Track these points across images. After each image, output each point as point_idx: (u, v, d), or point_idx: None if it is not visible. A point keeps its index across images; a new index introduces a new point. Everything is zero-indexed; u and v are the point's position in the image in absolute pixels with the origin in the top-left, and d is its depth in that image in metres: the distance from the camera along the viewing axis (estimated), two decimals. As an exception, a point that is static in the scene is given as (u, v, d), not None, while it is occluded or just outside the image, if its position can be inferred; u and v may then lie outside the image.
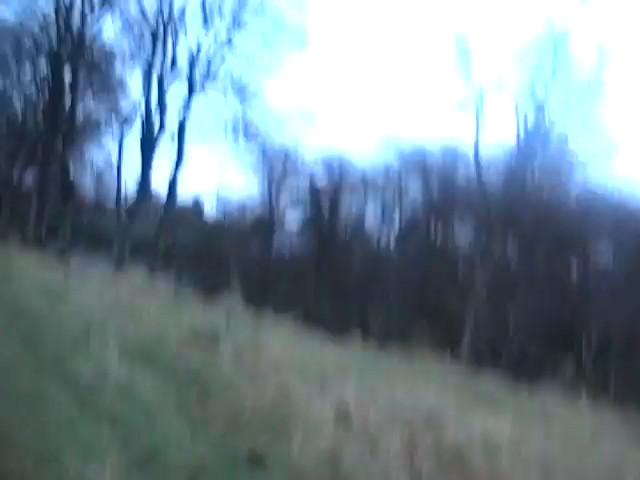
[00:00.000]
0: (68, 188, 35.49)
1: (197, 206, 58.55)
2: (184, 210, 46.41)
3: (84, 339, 9.27)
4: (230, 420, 7.15)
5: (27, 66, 39.60)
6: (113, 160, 40.20)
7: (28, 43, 37.91)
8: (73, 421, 6.39)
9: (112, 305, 13.22)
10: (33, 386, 6.99)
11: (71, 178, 37.02)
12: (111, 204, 49.73)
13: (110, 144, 40.38)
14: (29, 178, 45.64)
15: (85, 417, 6.68)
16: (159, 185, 37.03)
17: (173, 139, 34.26)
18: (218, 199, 47.08)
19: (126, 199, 38.11)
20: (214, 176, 67.77)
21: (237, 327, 13.08)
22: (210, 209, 49.85)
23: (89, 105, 40.46)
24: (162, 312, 13.66)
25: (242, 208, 46.47)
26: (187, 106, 34.50)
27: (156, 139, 33.47)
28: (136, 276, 23.09)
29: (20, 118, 42.17)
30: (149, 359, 9.00)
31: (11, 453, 4.96)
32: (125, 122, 36.92)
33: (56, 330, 9.61)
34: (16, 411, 5.96)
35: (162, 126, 34.03)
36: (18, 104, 42.05)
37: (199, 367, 9.15)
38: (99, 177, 45.07)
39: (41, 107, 39.80)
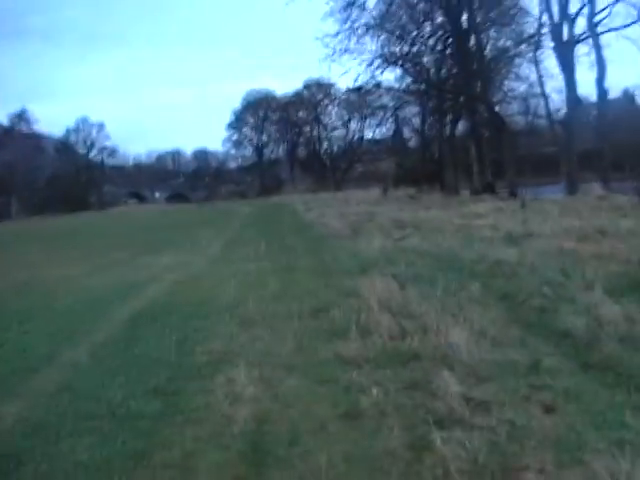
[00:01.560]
0: (499, 125, 36.60)
1: (629, 98, 55.72)
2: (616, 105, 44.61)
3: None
4: None
5: (426, 20, 41.82)
6: (534, 82, 40.55)
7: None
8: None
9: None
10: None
11: (499, 114, 38.05)
12: (542, 125, 50.10)
13: (526, 67, 40.73)
14: (460, 128, 48.55)
15: None
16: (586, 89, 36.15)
17: (589, 42, 32.98)
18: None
19: (556, 115, 37.92)
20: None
21: None
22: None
23: (495, 37, 41.27)
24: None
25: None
26: (591, 2, 32.81)
27: (571, 47, 32.58)
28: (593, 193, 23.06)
29: (432, 73, 44.95)
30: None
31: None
32: (536, 41, 36.62)
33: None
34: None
35: (573, 33, 32.96)
36: (427, 58, 44.91)
37: None
38: (524, 102, 45.52)
39: (449, 54, 41.89)
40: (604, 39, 33.41)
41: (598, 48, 32.40)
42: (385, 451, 4.28)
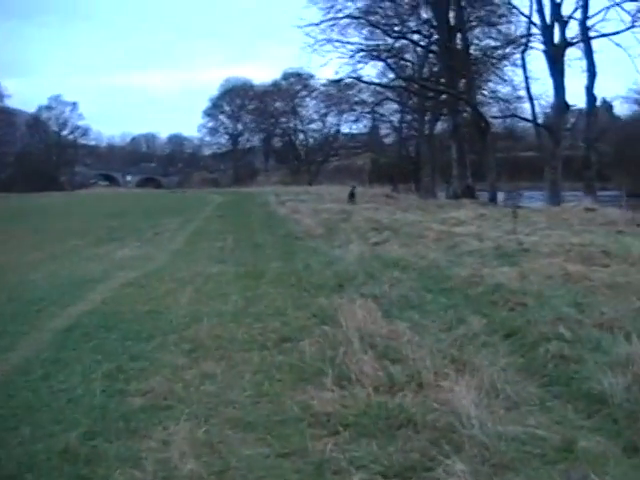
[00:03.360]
0: (483, 127, 35.36)
1: (607, 108, 55.11)
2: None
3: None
4: None
5: (412, 15, 40.59)
6: (516, 85, 39.53)
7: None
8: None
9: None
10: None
11: (483, 115, 36.77)
12: (520, 129, 49.16)
13: (510, 70, 39.68)
14: (439, 128, 47.45)
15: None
16: (571, 96, 35.10)
17: (580, 47, 31.93)
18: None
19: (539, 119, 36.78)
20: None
21: None
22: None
23: (481, 37, 40.11)
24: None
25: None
26: (585, 6, 31.75)
27: (562, 51, 31.49)
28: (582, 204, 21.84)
29: (415, 70, 43.77)
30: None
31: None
32: (523, 44, 35.38)
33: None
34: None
35: (564, 38, 31.87)
36: (410, 55, 43.76)
37: None
38: (506, 105, 44.45)
39: (434, 51, 40.71)
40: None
41: (590, 53, 31.39)
42: None
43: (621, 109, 59.93)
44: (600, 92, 34.56)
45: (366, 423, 4.63)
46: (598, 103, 42.07)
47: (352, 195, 34.10)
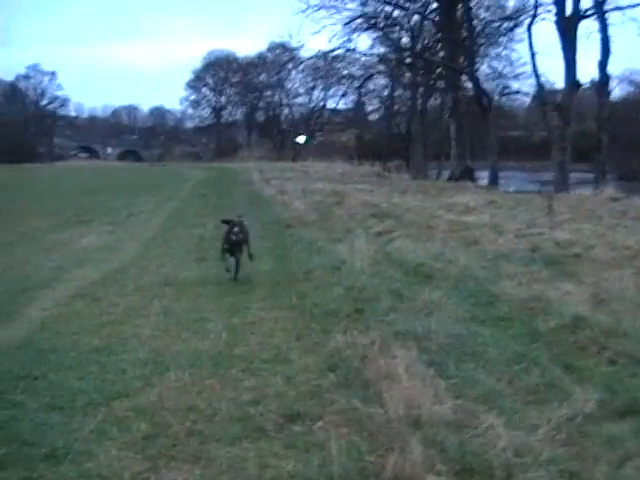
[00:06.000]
0: (485, 103, 32.92)
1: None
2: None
3: None
4: None
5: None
6: (516, 62, 37.29)
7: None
8: None
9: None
10: None
11: (486, 91, 34.34)
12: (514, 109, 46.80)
13: (513, 45, 37.39)
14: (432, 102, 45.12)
15: None
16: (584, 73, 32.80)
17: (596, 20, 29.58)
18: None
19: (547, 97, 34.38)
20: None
21: None
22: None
23: (483, 9, 37.67)
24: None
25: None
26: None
27: (575, 23, 29.06)
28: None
29: (413, 43, 41.16)
30: None
31: None
32: (530, 16, 32.91)
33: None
34: None
35: (578, 7, 29.47)
36: (405, 32, 41.23)
37: None
38: (503, 83, 42.22)
39: (433, 21, 38.33)
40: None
41: (604, 26, 28.95)
42: None
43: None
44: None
45: None
46: (589, 83, 39.63)
47: (233, 240, 9.32)
